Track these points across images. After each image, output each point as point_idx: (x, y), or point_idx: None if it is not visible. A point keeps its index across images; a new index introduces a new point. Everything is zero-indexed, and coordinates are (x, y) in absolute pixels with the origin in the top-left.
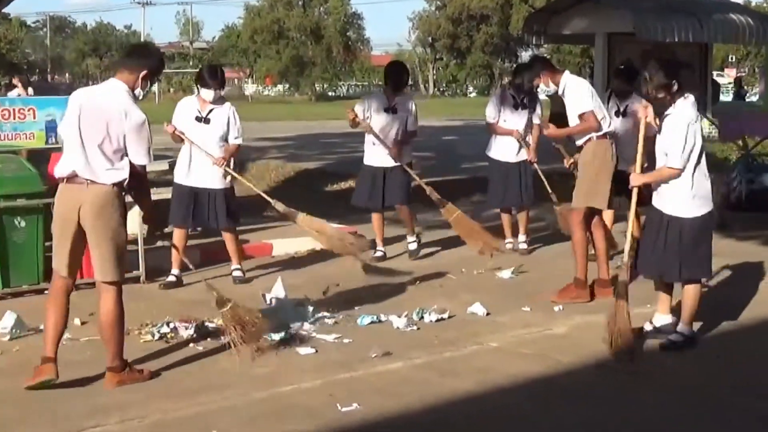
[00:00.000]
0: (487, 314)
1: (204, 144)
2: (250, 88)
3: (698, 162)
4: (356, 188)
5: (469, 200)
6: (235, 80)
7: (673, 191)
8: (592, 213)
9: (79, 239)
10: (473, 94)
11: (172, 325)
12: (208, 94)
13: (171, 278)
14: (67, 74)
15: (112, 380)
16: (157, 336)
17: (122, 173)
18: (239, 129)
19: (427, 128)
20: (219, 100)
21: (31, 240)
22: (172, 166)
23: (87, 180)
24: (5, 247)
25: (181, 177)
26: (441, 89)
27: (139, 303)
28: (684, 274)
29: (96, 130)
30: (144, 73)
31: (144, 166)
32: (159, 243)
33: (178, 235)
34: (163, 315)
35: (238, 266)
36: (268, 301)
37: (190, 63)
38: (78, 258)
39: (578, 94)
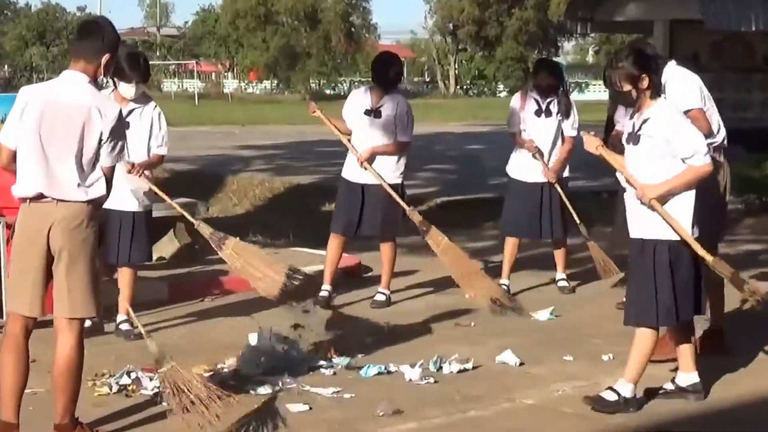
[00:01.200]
0: (521, 364)
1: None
2: (230, 85)
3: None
4: (334, 210)
5: (495, 224)
6: (212, 75)
7: (671, 207)
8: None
9: (47, 268)
10: (504, 94)
11: (133, 375)
12: (127, 89)
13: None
14: (5, 66)
15: None
16: (115, 388)
17: (99, 187)
18: (164, 136)
19: (446, 135)
20: (142, 98)
21: None
22: None
23: (56, 199)
24: None
25: None
26: (464, 87)
27: (91, 347)
28: (681, 316)
29: (64, 139)
30: (106, 57)
31: (110, 168)
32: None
33: None
34: (123, 363)
35: (126, 317)
36: (249, 345)
37: (157, 53)
38: (44, 292)
39: (683, 89)
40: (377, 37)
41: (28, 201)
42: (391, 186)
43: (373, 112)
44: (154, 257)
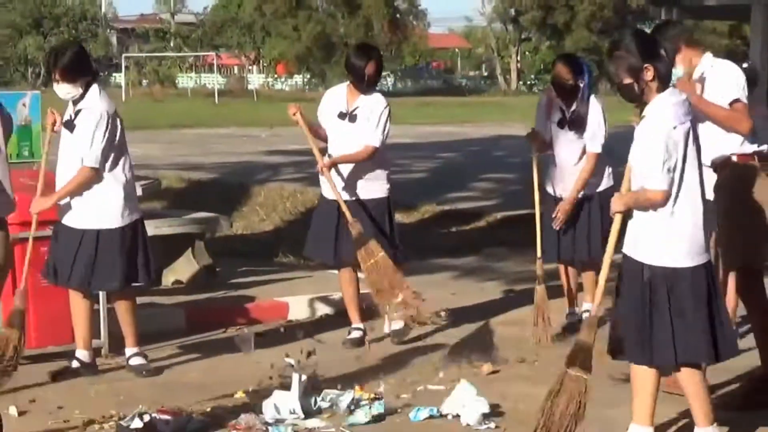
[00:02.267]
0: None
1: (66, 162)
2: (255, 80)
3: (681, 188)
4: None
5: None
6: (235, 69)
7: (649, 230)
8: (752, 275)
9: None
10: None
11: (147, 417)
12: (62, 89)
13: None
14: None
15: None
16: None
17: None
18: (94, 147)
19: (507, 139)
20: (90, 100)
21: None
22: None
23: None
24: None
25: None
26: (528, 82)
27: (101, 385)
28: (680, 356)
29: None
30: None
31: None
32: None
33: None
34: (135, 402)
35: (136, 350)
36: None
37: (171, 44)
38: None
39: (728, 79)
40: (426, 24)
41: None
42: (378, 200)
43: (348, 116)
44: (170, 280)
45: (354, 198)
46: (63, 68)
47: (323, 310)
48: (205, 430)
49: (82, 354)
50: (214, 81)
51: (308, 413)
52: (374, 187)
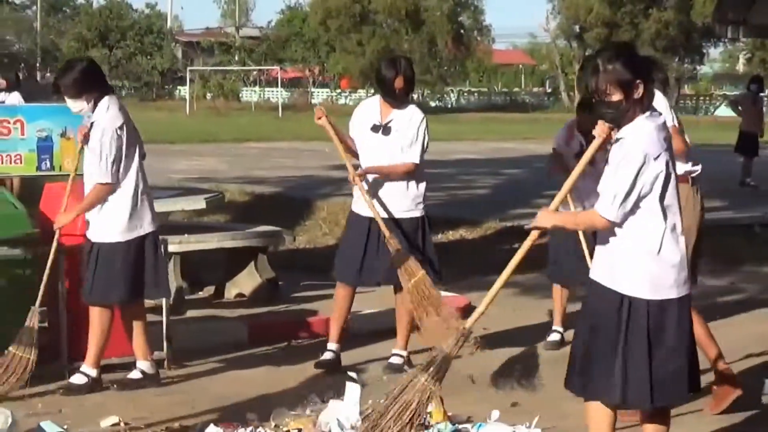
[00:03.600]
0: None
1: (87, 175)
2: (319, 95)
3: (667, 216)
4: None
5: None
6: (299, 83)
7: (632, 260)
8: None
9: None
10: None
11: (211, 431)
12: (69, 104)
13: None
14: None
15: None
16: None
17: None
18: (105, 162)
19: None
20: (95, 115)
21: (12, 304)
22: (211, 203)
23: None
24: None
25: None
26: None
27: (163, 397)
28: (657, 398)
29: None
30: None
31: None
32: (190, 313)
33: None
34: (197, 414)
35: (147, 362)
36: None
37: (236, 57)
38: None
39: (660, 106)
40: (491, 40)
41: None
42: (412, 219)
43: (382, 128)
44: (233, 293)
45: (387, 216)
46: (64, 85)
47: (385, 324)
48: None
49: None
50: (278, 95)
51: None
52: (408, 205)
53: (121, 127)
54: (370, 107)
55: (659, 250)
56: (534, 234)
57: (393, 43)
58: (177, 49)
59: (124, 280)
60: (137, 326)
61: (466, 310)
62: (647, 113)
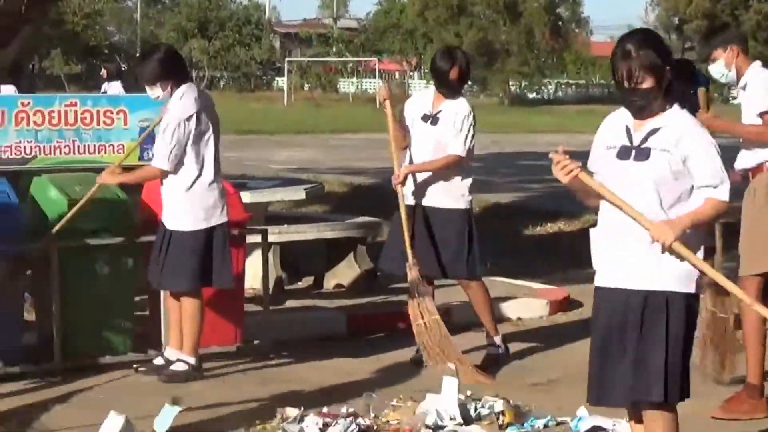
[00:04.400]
0: None
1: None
2: (416, 86)
3: None
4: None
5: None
6: (396, 75)
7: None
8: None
9: None
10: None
11: (315, 420)
12: (147, 91)
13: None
14: None
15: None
16: None
17: None
18: (161, 145)
19: None
20: (169, 102)
21: (115, 292)
22: (310, 194)
23: None
24: (78, 301)
25: None
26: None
27: (264, 387)
28: (654, 393)
29: None
30: None
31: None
32: (289, 303)
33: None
34: (298, 404)
35: (190, 357)
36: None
37: (333, 49)
38: None
39: (762, 90)
40: (588, 32)
41: None
42: (455, 211)
43: (431, 118)
44: (332, 284)
45: (431, 205)
46: (141, 72)
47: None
48: None
49: (171, 353)
50: (375, 86)
51: (467, 420)
52: (453, 196)
53: (189, 118)
54: (424, 97)
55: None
56: (680, 248)
57: (491, 34)
58: (275, 40)
59: (191, 269)
60: (192, 314)
61: (564, 303)
62: (675, 105)
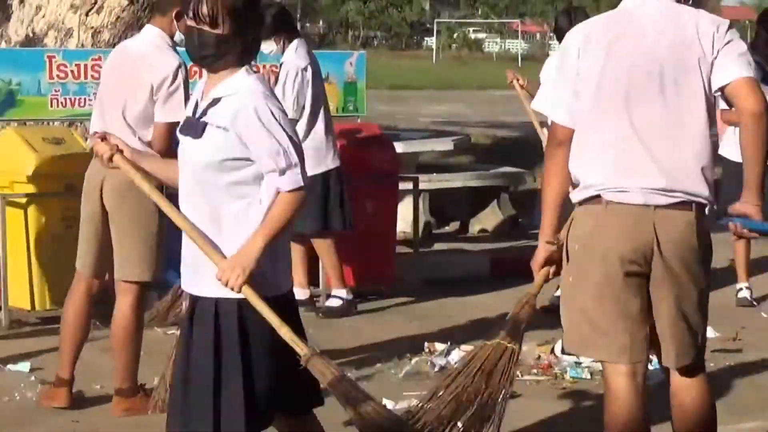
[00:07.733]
0: None
1: None
2: (556, 46)
3: None
4: None
5: None
6: (537, 36)
7: None
8: None
9: (102, 227)
10: None
11: (461, 354)
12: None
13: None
14: (320, 22)
15: (118, 406)
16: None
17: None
18: (291, 99)
19: None
20: (289, 55)
21: None
22: (458, 145)
23: None
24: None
25: None
26: None
27: (412, 323)
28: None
29: (114, 88)
30: (175, 11)
31: (165, 125)
32: (437, 246)
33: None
34: (445, 340)
35: (340, 289)
36: None
37: (479, 11)
38: (98, 252)
39: None
40: None
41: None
42: None
43: None
44: (476, 228)
45: None
46: (272, 26)
47: None
48: None
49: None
50: (518, 46)
51: None
52: None
53: (305, 68)
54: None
55: None
56: None
57: None
58: (425, 2)
59: (312, 212)
60: (328, 252)
61: None
62: None
